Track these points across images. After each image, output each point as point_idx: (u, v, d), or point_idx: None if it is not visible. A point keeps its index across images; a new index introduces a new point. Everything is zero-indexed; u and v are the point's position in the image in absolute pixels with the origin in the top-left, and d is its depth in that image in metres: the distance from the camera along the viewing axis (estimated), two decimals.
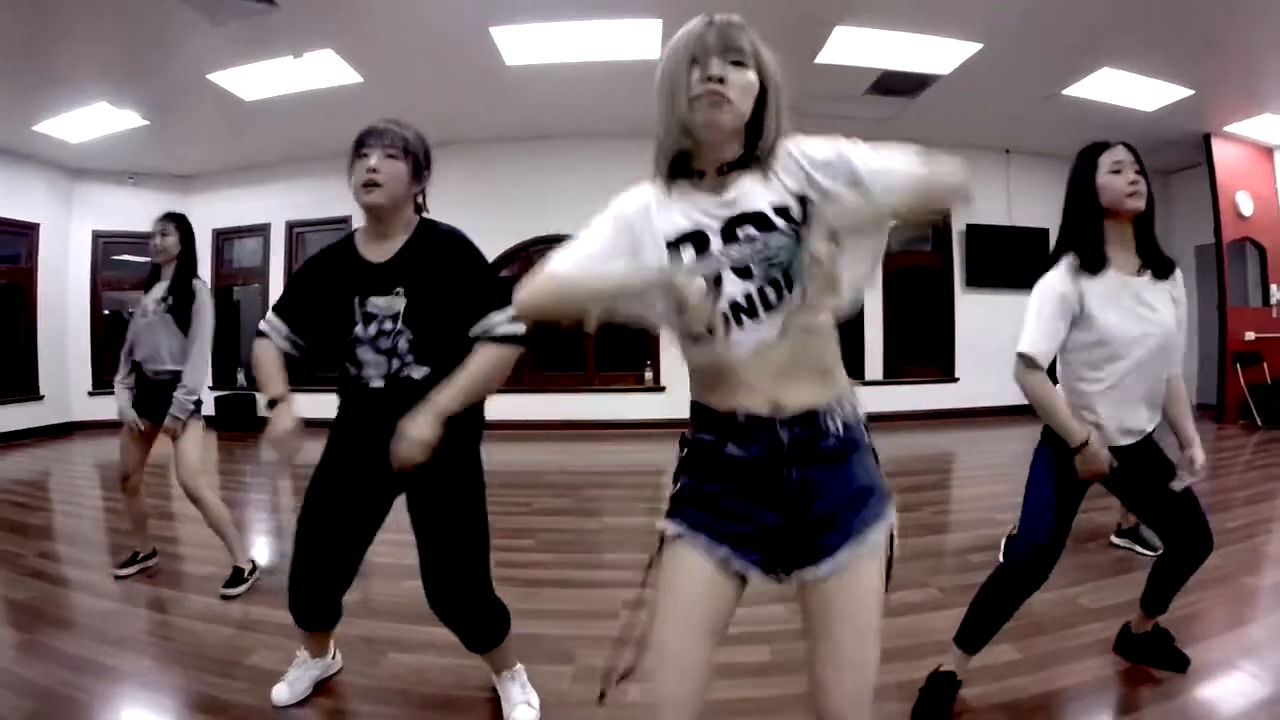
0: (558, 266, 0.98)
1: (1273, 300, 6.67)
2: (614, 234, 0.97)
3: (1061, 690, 1.74)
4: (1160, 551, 1.74)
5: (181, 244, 2.62)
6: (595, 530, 3.30)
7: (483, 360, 1.42)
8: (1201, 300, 7.25)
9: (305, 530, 1.56)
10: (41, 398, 6.51)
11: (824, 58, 4.58)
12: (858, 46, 4.45)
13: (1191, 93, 5.38)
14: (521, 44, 4.36)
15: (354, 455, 1.52)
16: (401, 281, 1.46)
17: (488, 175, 6.39)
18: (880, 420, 6.30)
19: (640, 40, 4.34)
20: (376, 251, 1.49)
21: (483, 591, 1.56)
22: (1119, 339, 1.50)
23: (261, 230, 6.91)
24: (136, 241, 7.11)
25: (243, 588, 2.46)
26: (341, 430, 1.56)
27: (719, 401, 0.93)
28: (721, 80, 0.89)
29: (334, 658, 1.86)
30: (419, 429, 1.33)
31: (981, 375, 6.42)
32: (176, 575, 2.70)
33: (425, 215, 1.57)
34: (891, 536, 0.95)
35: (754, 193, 0.93)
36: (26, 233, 6.48)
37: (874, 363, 6.67)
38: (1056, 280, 1.54)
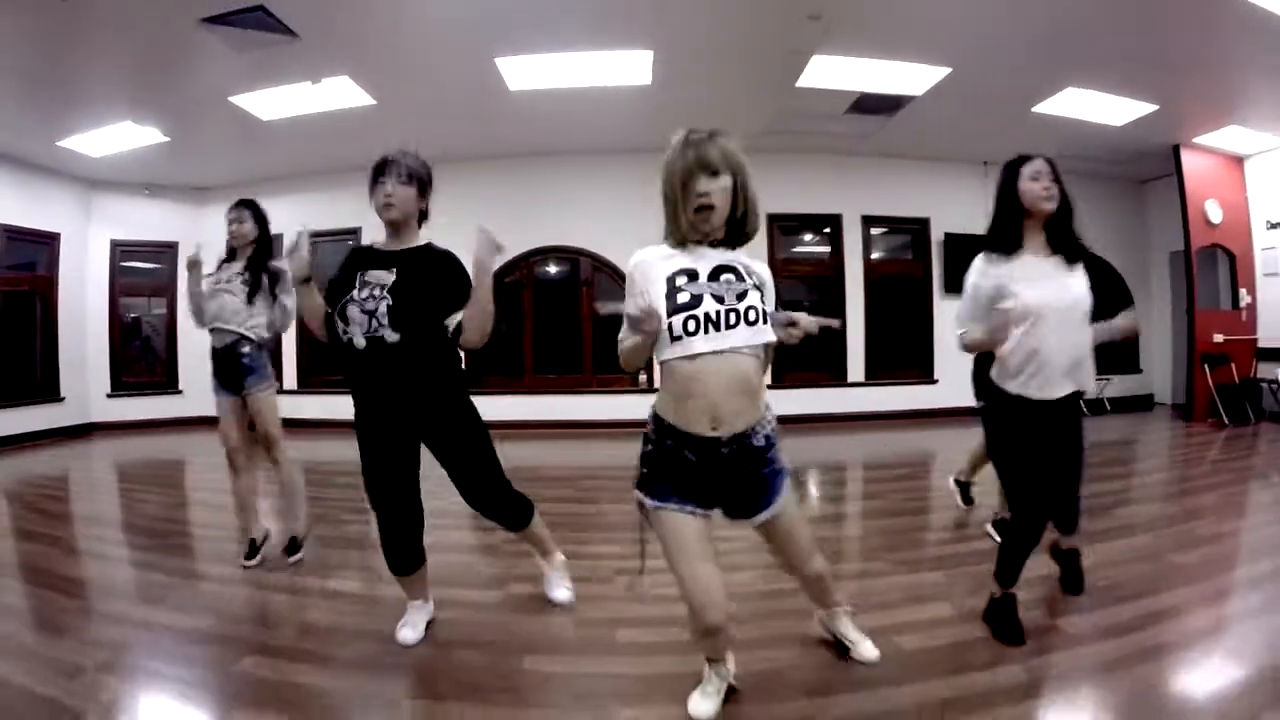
0: (624, 339, 1.51)
1: (1241, 304, 7.02)
2: (637, 289, 1.48)
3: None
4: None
5: (258, 227, 2.93)
6: (592, 514, 3.65)
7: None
8: (1174, 304, 7.63)
9: (372, 492, 1.98)
10: (62, 399, 6.87)
11: (804, 82, 4.95)
12: (834, 72, 4.81)
13: (1156, 108, 5.72)
14: (524, 72, 4.73)
15: (372, 421, 1.93)
16: (397, 265, 1.89)
17: (490, 189, 6.76)
18: (863, 420, 6.78)
19: (632, 69, 4.72)
20: (387, 247, 1.98)
21: (503, 486, 2.11)
22: (1036, 307, 1.83)
23: (275, 240, 7.25)
24: (152, 250, 7.52)
25: (256, 560, 2.82)
26: (356, 401, 1.95)
27: (680, 420, 1.44)
28: (707, 194, 1.41)
29: (430, 601, 2.20)
30: (492, 238, 1.83)
31: (960, 377, 6.68)
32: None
33: (428, 241, 2.02)
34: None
35: (737, 258, 1.49)
36: (48, 242, 6.84)
37: (856, 365, 7.03)
38: (972, 272, 1.99)
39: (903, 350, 7.23)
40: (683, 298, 1.40)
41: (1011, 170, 1.93)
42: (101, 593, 2.56)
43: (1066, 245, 1.90)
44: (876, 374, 7.12)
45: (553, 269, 7.15)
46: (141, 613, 2.34)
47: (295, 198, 7.13)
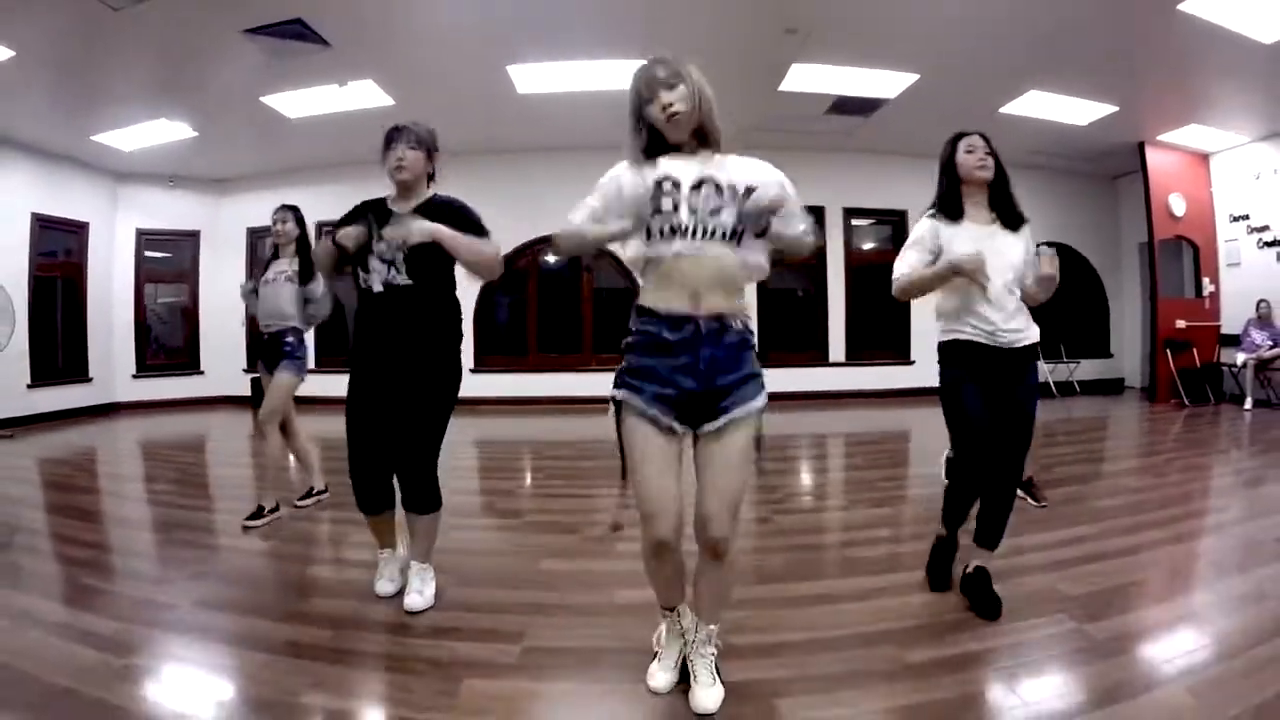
0: (574, 218, 1.54)
1: (1205, 293, 7.56)
2: (609, 193, 1.52)
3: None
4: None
5: (299, 228, 3.27)
6: (590, 467, 4.21)
7: (479, 243, 2.02)
8: (1143, 293, 8.17)
9: (350, 427, 2.08)
10: (90, 380, 7.36)
11: (785, 87, 5.48)
12: (813, 78, 5.33)
13: (1116, 109, 6.22)
14: (532, 77, 5.25)
15: (367, 356, 2.06)
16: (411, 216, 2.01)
17: (499, 182, 7.26)
18: (843, 398, 7.32)
19: (626, 75, 5.19)
20: (400, 206, 2.09)
21: (433, 466, 2.11)
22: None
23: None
24: (174, 239, 8.01)
25: (311, 501, 3.27)
26: (359, 337, 2.08)
27: (660, 303, 1.44)
28: (670, 103, 1.45)
29: (403, 549, 2.27)
30: (420, 225, 1.92)
31: (935, 358, 7.28)
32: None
33: (434, 193, 2.17)
34: (760, 417, 1.48)
35: (720, 167, 1.48)
36: (77, 230, 7.32)
37: (837, 346, 7.59)
38: (918, 228, 2.12)
39: (881, 332, 7.78)
40: (666, 204, 1.44)
41: (951, 145, 2.12)
42: (134, 560, 2.65)
43: (1003, 210, 2.06)
44: (857, 354, 7.68)
45: (555, 256, 7.68)
46: (172, 581, 2.41)
47: (312, 189, 7.61)
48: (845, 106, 5.97)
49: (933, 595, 2.15)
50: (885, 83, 5.48)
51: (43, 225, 6.88)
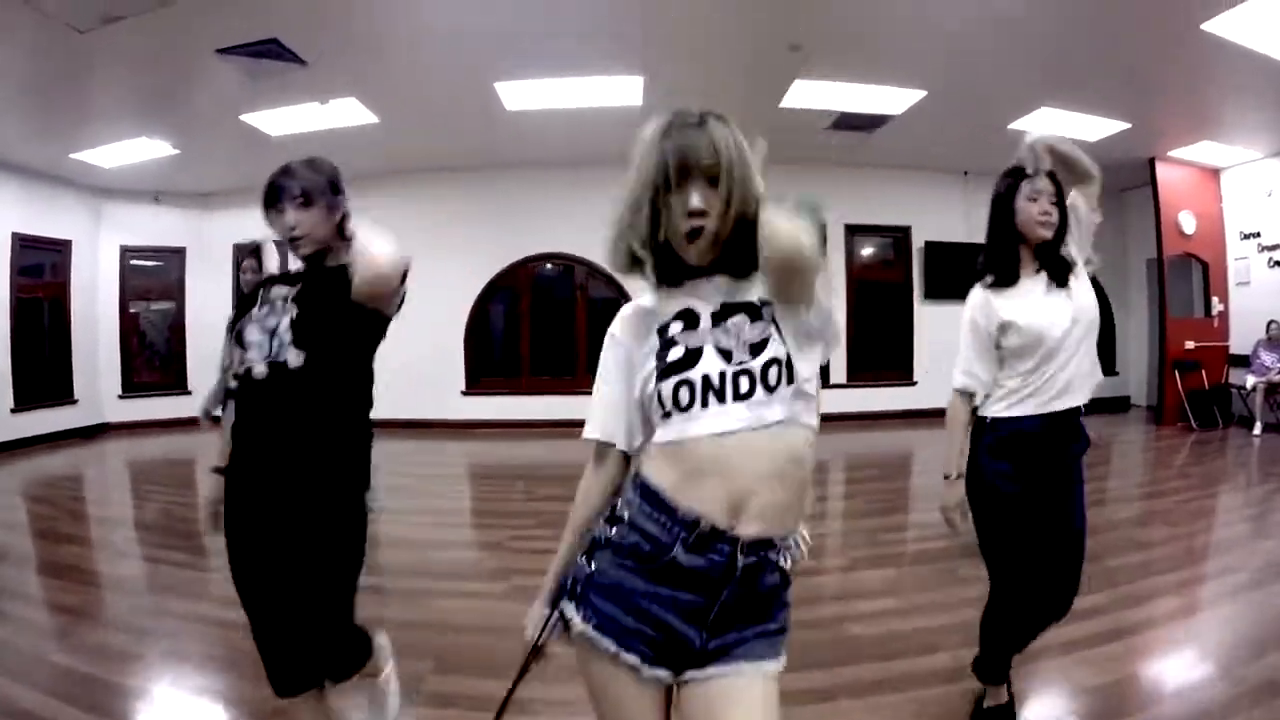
0: (588, 429, 1.07)
1: (1214, 312, 7.45)
2: (615, 367, 1.02)
3: None
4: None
5: (261, 272, 3.13)
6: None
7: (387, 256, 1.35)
8: (1150, 309, 8.06)
9: (239, 586, 1.47)
10: (75, 401, 7.26)
11: (787, 103, 5.35)
12: (815, 95, 5.21)
13: (1129, 126, 6.11)
14: (520, 94, 5.12)
15: (243, 474, 1.45)
16: (307, 277, 1.49)
17: (487, 200, 7.18)
18: (844, 420, 7.21)
19: (624, 92, 5.11)
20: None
21: (345, 623, 1.52)
22: (1048, 338, 1.63)
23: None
24: (158, 255, 7.91)
25: None
26: (235, 442, 1.46)
27: (680, 496, 0.89)
28: (700, 209, 0.89)
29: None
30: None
31: (938, 379, 7.13)
32: None
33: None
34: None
35: (744, 286, 0.95)
36: (60, 249, 7.21)
37: (838, 367, 7.46)
38: (971, 304, 1.73)
39: (883, 352, 7.67)
40: (675, 353, 0.93)
41: (1011, 183, 1.69)
42: (138, 585, 2.98)
43: (1055, 267, 1.68)
44: (858, 375, 7.55)
45: (548, 275, 7.55)
46: (177, 604, 2.76)
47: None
48: (849, 123, 5.85)
49: (937, 690, 2.05)
50: (890, 99, 5.36)
51: (24, 244, 6.77)
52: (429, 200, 7.05)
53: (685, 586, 0.90)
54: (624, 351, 1.00)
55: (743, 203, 0.90)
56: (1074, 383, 1.67)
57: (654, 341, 0.96)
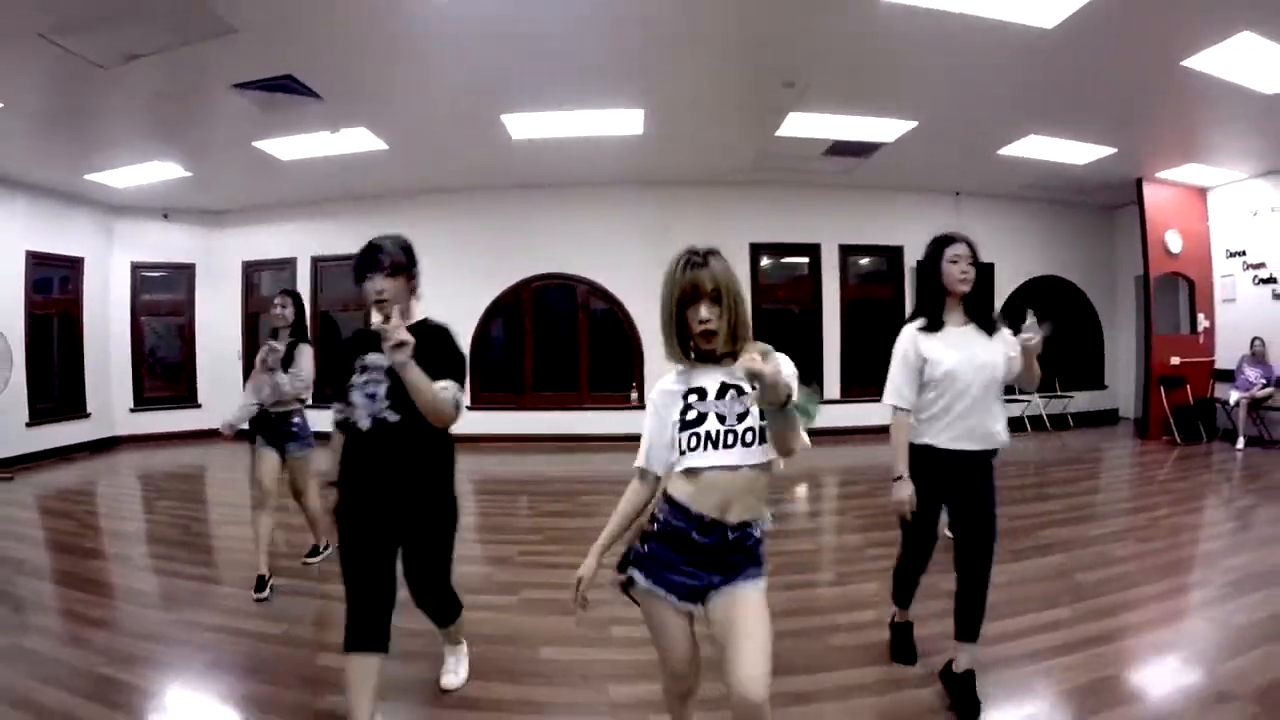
0: (638, 460, 1.61)
1: (1200, 328, 7.72)
2: (653, 422, 1.58)
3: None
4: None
5: (297, 314, 3.45)
6: (591, 528, 4.32)
7: (439, 389, 1.85)
8: (1139, 325, 8.33)
9: (347, 566, 2.00)
10: (88, 415, 7.50)
11: (782, 132, 5.63)
12: (810, 125, 5.49)
13: (1114, 150, 6.38)
14: (526, 125, 5.40)
15: (357, 492, 1.97)
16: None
17: (493, 218, 7.49)
18: (837, 434, 7.47)
19: (625, 123, 5.40)
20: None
21: (448, 585, 2.22)
22: (959, 373, 2.10)
23: (288, 264, 7.95)
24: (169, 272, 8.16)
25: (319, 558, 3.64)
26: (345, 469, 2.00)
27: (692, 504, 1.48)
28: (708, 320, 1.48)
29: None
30: (400, 337, 1.74)
31: None
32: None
33: (424, 318, 2.04)
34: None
35: (737, 372, 1.38)
36: (72, 266, 7.47)
37: (832, 383, 7.74)
38: (902, 341, 2.23)
39: (877, 368, 7.89)
40: (690, 415, 1.50)
41: (935, 250, 2.18)
42: (158, 599, 3.23)
43: (980, 316, 2.17)
44: (851, 390, 7.80)
45: (551, 293, 7.83)
46: (192, 614, 3.02)
47: (305, 223, 7.80)
48: (842, 149, 6.13)
49: (909, 692, 2.29)
50: (882, 129, 5.64)
51: (37, 262, 7.02)
52: (436, 221, 7.33)
53: (700, 552, 1.50)
54: (660, 414, 1.58)
55: (735, 312, 1.51)
56: (981, 424, 2.14)
57: (679, 406, 1.53)
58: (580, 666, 2.53)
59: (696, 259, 1.50)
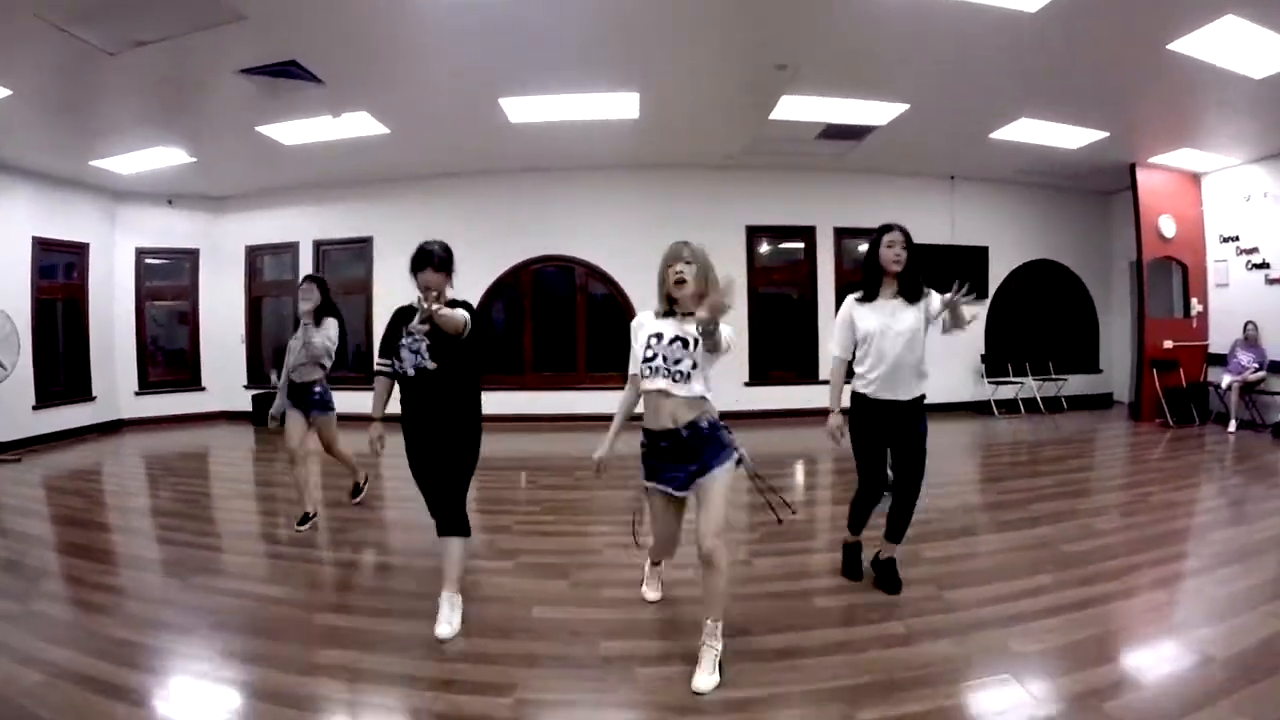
0: (632, 368, 2.34)
1: (1193, 312, 7.74)
2: (634, 337, 2.33)
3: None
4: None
5: (322, 296, 3.87)
6: (586, 499, 4.44)
7: (457, 314, 2.50)
8: (1134, 309, 8.35)
9: (415, 478, 2.71)
10: (94, 398, 7.57)
11: (776, 115, 5.65)
12: (802, 109, 5.51)
13: (1107, 134, 6.37)
14: (524, 109, 5.43)
15: (411, 424, 2.65)
16: (431, 317, 2.50)
17: (491, 203, 7.52)
18: (826, 414, 7.45)
19: (621, 106, 5.42)
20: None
21: (463, 500, 2.68)
22: (878, 336, 2.64)
23: (290, 248, 7.99)
24: (173, 257, 8.21)
25: (306, 526, 3.84)
26: (404, 409, 2.66)
27: (654, 425, 2.25)
28: (680, 271, 2.21)
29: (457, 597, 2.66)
30: (436, 308, 2.42)
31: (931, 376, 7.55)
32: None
33: (450, 298, 2.69)
34: (742, 461, 2.27)
35: (690, 328, 2.19)
36: (78, 252, 7.52)
37: (827, 364, 7.70)
38: (843, 310, 2.80)
39: None
40: (649, 352, 2.23)
41: (877, 237, 2.70)
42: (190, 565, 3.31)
43: (908, 289, 2.67)
44: (849, 371, 7.78)
45: (550, 276, 7.87)
46: (203, 579, 3.10)
47: (308, 208, 7.84)
48: (835, 133, 6.16)
49: (886, 651, 2.35)
50: (875, 112, 5.66)
51: (43, 248, 7.07)
52: (437, 205, 7.40)
53: (671, 454, 2.25)
54: (636, 337, 2.31)
55: (704, 282, 2.21)
56: (901, 378, 2.65)
57: (644, 340, 2.27)
58: (572, 625, 2.60)
59: (681, 242, 2.26)
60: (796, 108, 5.50)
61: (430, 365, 2.55)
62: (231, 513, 4.49)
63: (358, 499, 4.36)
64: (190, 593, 2.96)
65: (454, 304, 2.62)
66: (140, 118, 5.64)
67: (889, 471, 2.82)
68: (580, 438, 6.78)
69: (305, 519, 3.85)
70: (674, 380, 2.18)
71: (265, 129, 5.88)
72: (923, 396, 2.71)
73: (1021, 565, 3.14)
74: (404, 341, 2.60)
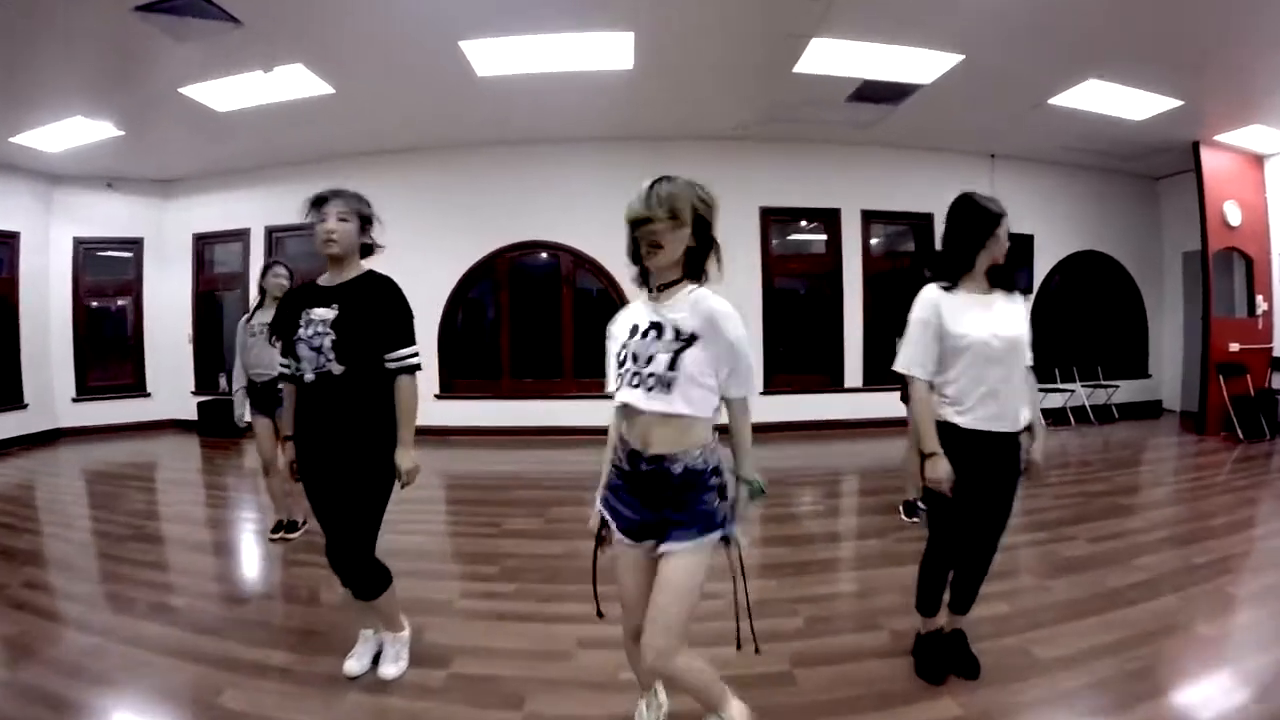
0: (609, 386, 1.56)
1: (1258, 311, 6.56)
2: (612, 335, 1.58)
3: None
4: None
5: (290, 283, 3.39)
6: (559, 556, 3.26)
7: (404, 394, 2.00)
8: (1186, 309, 7.17)
9: (316, 515, 2.05)
10: (25, 406, 6.43)
11: (801, 68, 4.45)
12: (836, 58, 4.31)
13: (1181, 104, 5.25)
14: (492, 56, 4.24)
15: (306, 445, 2.00)
16: (339, 300, 1.95)
17: (461, 181, 6.29)
18: (860, 428, 6.31)
19: (612, 52, 4.23)
20: (328, 281, 2.01)
21: (369, 553, 2.02)
22: (978, 342, 1.87)
23: (241, 235, 6.80)
24: (117, 247, 7.05)
25: (294, 533, 3.50)
26: (297, 423, 2.02)
27: (625, 433, 1.52)
28: (653, 233, 1.42)
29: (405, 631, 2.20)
30: (404, 459, 1.98)
31: None
32: (162, 607, 2.65)
33: (368, 270, 2.06)
34: (730, 543, 1.51)
35: (668, 310, 1.47)
36: (7, 242, 6.38)
37: (854, 369, 6.53)
38: (922, 304, 1.96)
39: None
40: (621, 352, 1.51)
41: (991, 220, 1.93)
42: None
43: (1003, 279, 1.98)
44: (876, 378, 6.50)
45: (530, 266, 6.62)
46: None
47: (259, 191, 6.67)
48: (870, 93, 4.92)
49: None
50: (922, 64, 4.45)
51: None
52: (396, 183, 6.15)
53: (630, 480, 1.52)
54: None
55: (689, 224, 1.47)
56: (1011, 399, 1.91)
57: (626, 335, 1.54)
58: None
59: (651, 183, 1.45)
60: (828, 57, 4.29)
61: (336, 369, 1.91)
62: (184, 531, 3.56)
63: (276, 534, 3.53)
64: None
65: (370, 279, 2.02)
66: (48, 79, 4.53)
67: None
68: (564, 455, 5.60)
69: (280, 526, 3.49)
70: (645, 390, 1.44)
71: (191, 90, 4.74)
72: (1028, 426, 1.97)
73: (1168, 663, 2.04)
74: (301, 333, 1.94)
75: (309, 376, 1.92)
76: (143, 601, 2.70)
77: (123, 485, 4.85)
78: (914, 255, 6.81)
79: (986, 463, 1.90)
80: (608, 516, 1.55)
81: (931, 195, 6.44)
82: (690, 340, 1.42)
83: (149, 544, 3.47)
